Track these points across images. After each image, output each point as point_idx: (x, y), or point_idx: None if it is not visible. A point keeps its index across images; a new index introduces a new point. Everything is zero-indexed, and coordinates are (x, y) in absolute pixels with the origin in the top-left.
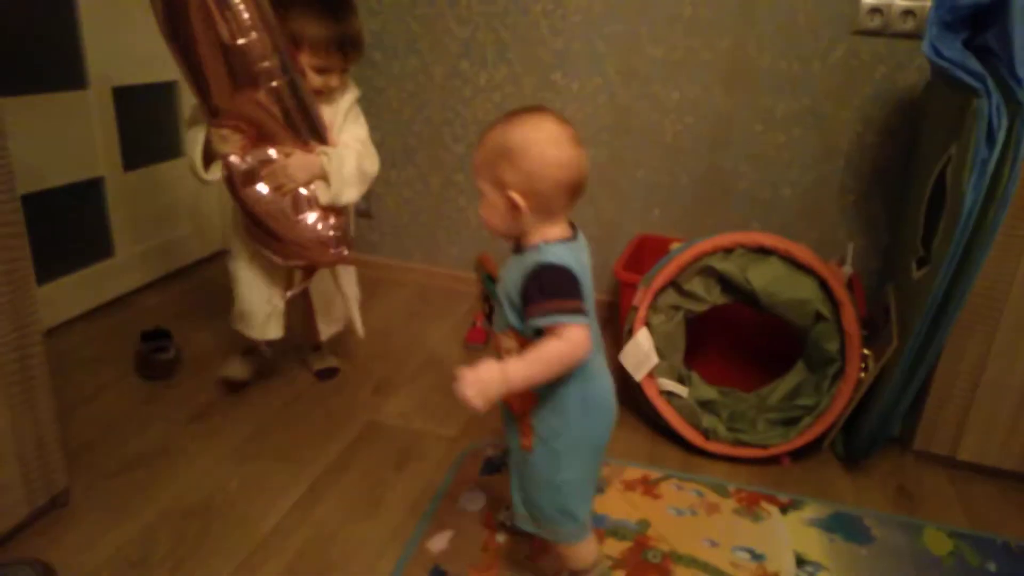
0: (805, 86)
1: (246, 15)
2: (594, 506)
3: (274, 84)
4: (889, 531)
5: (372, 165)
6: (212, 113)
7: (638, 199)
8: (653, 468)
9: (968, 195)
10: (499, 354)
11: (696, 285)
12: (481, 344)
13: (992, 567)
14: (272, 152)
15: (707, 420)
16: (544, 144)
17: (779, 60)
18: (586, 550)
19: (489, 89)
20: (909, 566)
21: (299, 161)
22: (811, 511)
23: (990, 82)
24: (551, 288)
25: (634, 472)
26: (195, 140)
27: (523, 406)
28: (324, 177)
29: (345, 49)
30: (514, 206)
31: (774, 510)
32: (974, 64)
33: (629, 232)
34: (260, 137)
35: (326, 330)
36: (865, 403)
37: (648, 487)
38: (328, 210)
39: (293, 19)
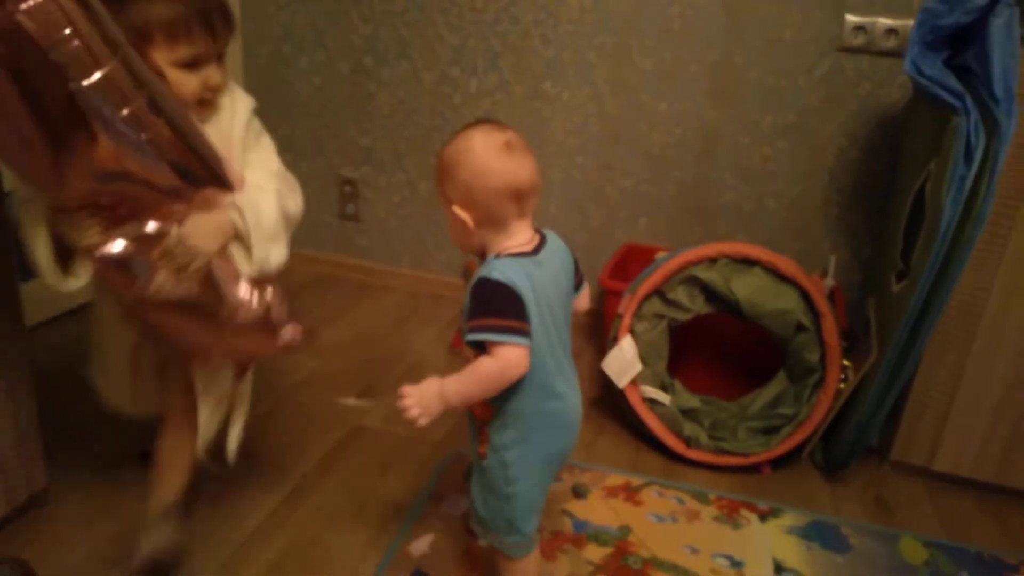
0: (791, 101)
1: (80, 42)
2: (540, 521)
3: (146, 135)
4: (866, 540)
5: (296, 203)
6: (54, 197)
7: (625, 208)
8: (635, 475)
9: (946, 210)
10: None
11: (680, 294)
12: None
13: None
14: (155, 224)
15: (689, 428)
16: (474, 154)
17: (766, 74)
18: (525, 568)
19: (479, 96)
20: (885, 574)
21: (201, 226)
22: (790, 519)
23: (969, 100)
24: (487, 305)
25: (616, 478)
26: (36, 238)
27: (484, 414)
28: (238, 237)
29: (212, 23)
30: (463, 221)
31: (754, 518)
32: (954, 83)
33: (616, 241)
34: (133, 208)
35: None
36: (844, 413)
37: (630, 493)
38: (258, 279)
39: (133, 5)
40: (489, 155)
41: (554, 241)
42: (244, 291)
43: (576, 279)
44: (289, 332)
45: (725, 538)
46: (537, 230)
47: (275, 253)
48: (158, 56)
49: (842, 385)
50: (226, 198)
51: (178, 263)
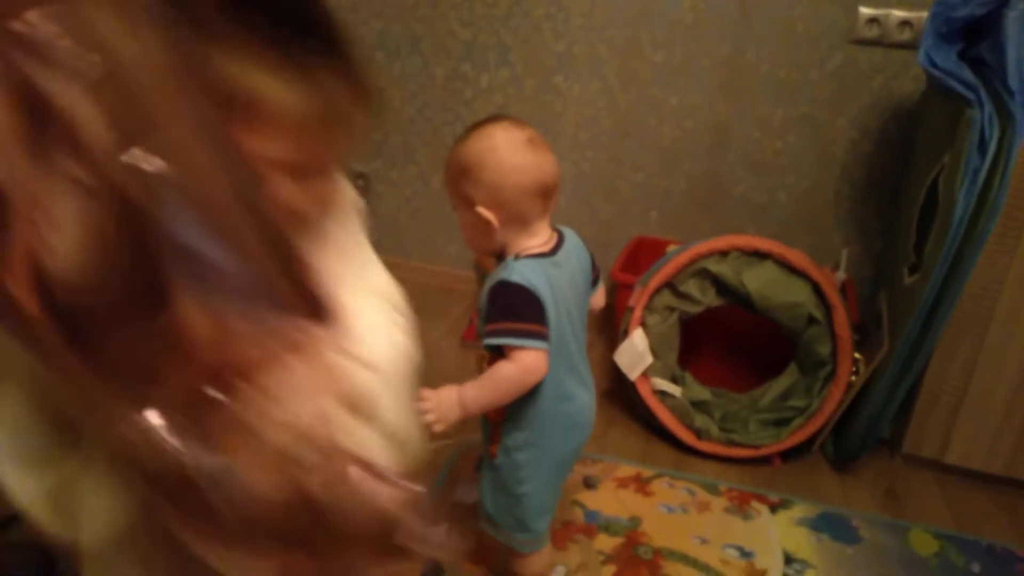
0: (802, 94)
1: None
2: (552, 520)
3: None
4: (876, 531)
5: (412, 335)
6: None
7: (636, 201)
8: (646, 466)
9: (959, 203)
10: (477, 363)
11: (691, 287)
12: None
13: (976, 568)
14: (215, 384)
15: (700, 420)
16: (499, 152)
17: (778, 67)
18: (536, 563)
19: (490, 91)
20: (895, 565)
21: (299, 383)
22: (800, 511)
23: (983, 93)
24: (507, 308)
25: (627, 470)
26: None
27: (496, 414)
28: (353, 400)
29: (350, 123)
30: (486, 222)
31: (764, 509)
32: (968, 75)
33: (627, 234)
34: (170, 355)
35: None
36: (855, 406)
37: (641, 485)
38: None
39: (232, 63)
40: (515, 152)
41: (571, 239)
42: (366, 481)
43: (592, 276)
44: (436, 544)
45: (735, 529)
46: (554, 228)
47: (408, 419)
48: (249, 142)
49: (853, 378)
50: (331, 337)
51: (266, 448)
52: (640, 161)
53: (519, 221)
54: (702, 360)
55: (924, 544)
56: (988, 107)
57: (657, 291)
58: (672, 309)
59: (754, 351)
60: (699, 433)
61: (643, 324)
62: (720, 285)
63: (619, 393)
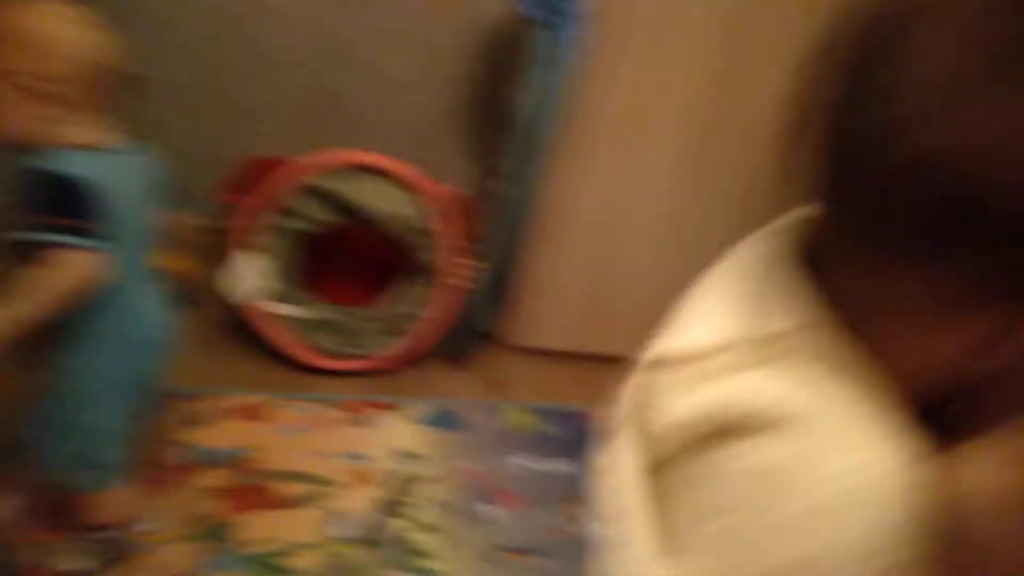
0: (408, 8)
1: None
2: (126, 452)
3: None
4: (479, 416)
5: None
6: None
7: (245, 118)
8: (259, 393)
9: (524, 112)
10: None
11: (302, 204)
12: None
13: (557, 431)
14: None
15: (320, 338)
16: (48, 23)
17: None
18: (110, 505)
19: None
20: (493, 442)
21: None
22: (415, 411)
23: (547, 14)
24: (54, 202)
25: (238, 399)
26: None
27: (43, 332)
28: None
29: None
30: (22, 96)
31: (381, 414)
32: None
33: (236, 151)
34: None
35: None
36: (463, 307)
37: (252, 411)
38: None
39: None
40: (70, 28)
41: (136, 148)
42: None
43: (167, 191)
44: None
45: (350, 438)
46: (115, 129)
47: None
48: None
49: (460, 283)
50: None
51: None
52: (248, 72)
53: (64, 105)
54: (329, 279)
55: (517, 420)
56: (552, 27)
57: (265, 210)
58: (284, 228)
59: (380, 266)
60: (317, 351)
61: (251, 246)
62: (333, 201)
63: (234, 321)
